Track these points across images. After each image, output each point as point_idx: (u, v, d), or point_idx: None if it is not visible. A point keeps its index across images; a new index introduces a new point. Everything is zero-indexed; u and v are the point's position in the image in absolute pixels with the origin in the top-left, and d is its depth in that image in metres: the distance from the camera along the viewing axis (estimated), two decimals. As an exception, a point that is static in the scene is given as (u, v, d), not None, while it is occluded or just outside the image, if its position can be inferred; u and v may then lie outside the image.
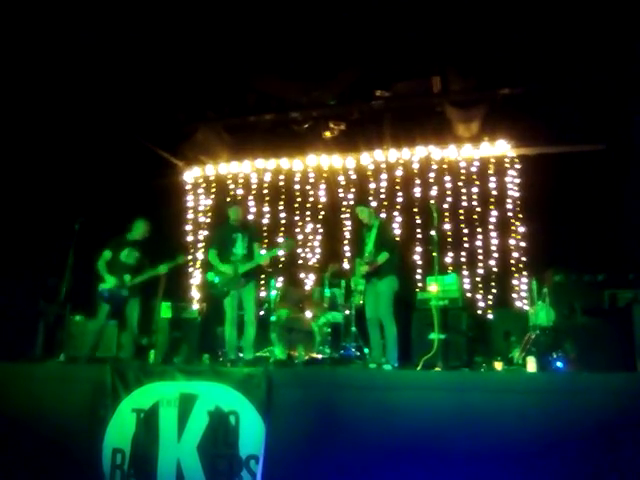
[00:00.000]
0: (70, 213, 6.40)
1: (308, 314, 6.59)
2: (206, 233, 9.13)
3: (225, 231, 5.95)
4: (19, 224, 7.02)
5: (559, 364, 4.47)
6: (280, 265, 8.20)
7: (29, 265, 7.08)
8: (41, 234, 7.20)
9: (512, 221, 7.78)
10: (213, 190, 9.30)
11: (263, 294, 7.24)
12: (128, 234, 6.16)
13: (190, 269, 8.94)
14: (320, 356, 5.96)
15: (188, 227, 9.20)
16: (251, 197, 9.03)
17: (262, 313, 6.09)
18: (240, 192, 9.13)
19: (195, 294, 8.74)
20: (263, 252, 5.87)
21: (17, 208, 7.06)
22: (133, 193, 7.88)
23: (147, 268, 5.99)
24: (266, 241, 8.42)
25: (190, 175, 9.37)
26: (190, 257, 8.95)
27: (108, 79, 6.94)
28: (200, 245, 9.09)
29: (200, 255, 9.04)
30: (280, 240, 5.68)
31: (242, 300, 5.65)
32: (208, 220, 9.22)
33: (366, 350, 6.49)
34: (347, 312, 6.72)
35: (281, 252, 5.64)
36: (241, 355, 5.66)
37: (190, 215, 9.30)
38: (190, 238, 9.15)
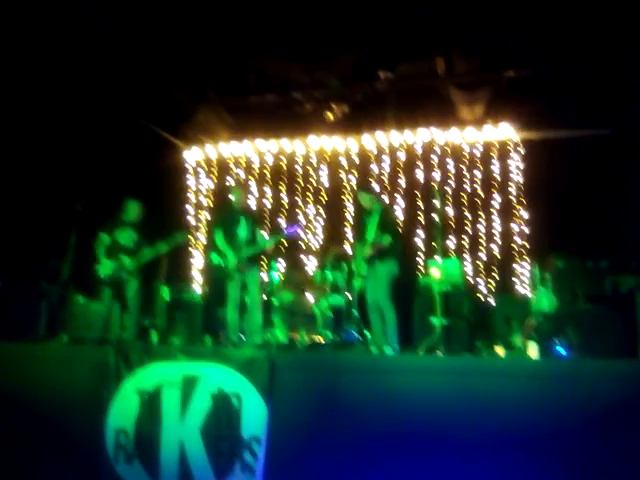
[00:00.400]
0: (71, 193, 6.36)
1: (310, 297, 6.60)
2: (207, 214, 9.11)
3: (229, 213, 5.92)
4: (21, 205, 6.99)
5: (561, 350, 4.49)
6: (282, 248, 8.20)
7: (31, 246, 7.06)
8: (43, 215, 7.17)
9: (515, 206, 7.76)
10: (214, 171, 9.25)
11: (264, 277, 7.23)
12: (123, 216, 6.12)
13: (191, 250, 8.94)
14: (322, 340, 5.97)
15: (189, 208, 9.17)
16: (252, 179, 8.98)
17: (264, 296, 6.09)
18: (241, 174, 9.08)
19: (197, 276, 8.75)
20: (266, 237, 5.86)
21: (18, 189, 7.02)
22: (134, 173, 7.83)
23: (146, 249, 5.96)
24: (268, 223, 8.41)
25: (191, 156, 9.31)
26: (191, 238, 8.94)
27: (109, 59, 6.85)
28: (201, 226, 9.08)
29: (201, 237, 9.03)
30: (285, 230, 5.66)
31: (246, 284, 5.65)
32: (209, 201, 9.19)
33: (368, 334, 6.52)
34: (349, 296, 6.73)
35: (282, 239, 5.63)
36: (242, 337, 5.67)
37: (190, 196, 9.26)
38: (191, 219, 9.13)
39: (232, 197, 5.92)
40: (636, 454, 3.40)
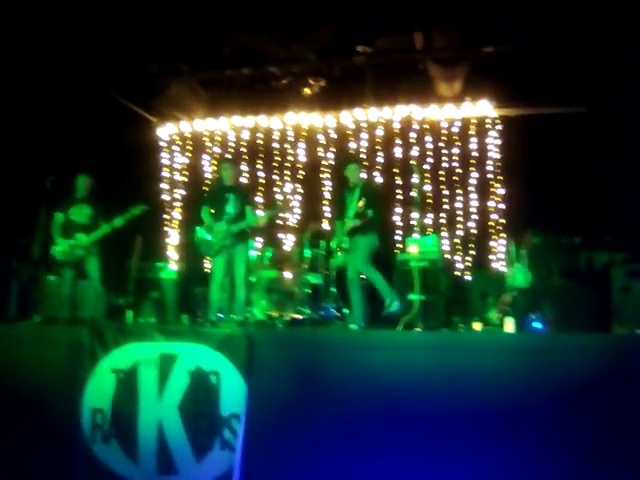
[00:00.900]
0: (40, 171, 6.17)
1: (288, 275, 6.57)
2: (182, 192, 8.96)
3: (218, 190, 5.82)
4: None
5: (536, 325, 4.56)
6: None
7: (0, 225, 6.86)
8: (10, 192, 6.95)
9: (492, 183, 7.80)
10: (189, 148, 9.07)
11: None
12: (75, 192, 5.91)
13: (166, 228, 8.80)
14: (300, 317, 5.97)
15: (163, 185, 9.00)
16: (228, 155, 8.83)
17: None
18: (217, 150, 8.92)
19: (172, 254, 8.63)
20: (257, 213, 5.76)
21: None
22: (106, 149, 7.63)
23: (102, 224, 5.72)
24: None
25: (164, 132, 9.09)
26: (167, 216, 8.80)
27: (76, 28, 6.59)
28: (177, 204, 8.94)
29: (176, 214, 8.89)
30: (276, 202, 5.57)
31: (232, 261, 5.57)
32: (183, 178, 9.03)
33: (346, 311, 6.53)
34: (327, 273, 6.72)
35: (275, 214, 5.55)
36: (221, 316, 5.63)
37: (165, 173, 9.08)
38: (166, 197, 8.97)
39: (222, 173, 5.81)
40: (609, 425, 3.49)
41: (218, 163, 6.02)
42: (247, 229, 5.66)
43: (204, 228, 5.64)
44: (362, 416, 3.94)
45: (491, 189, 7.77)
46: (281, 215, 5.73)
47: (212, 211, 5.71)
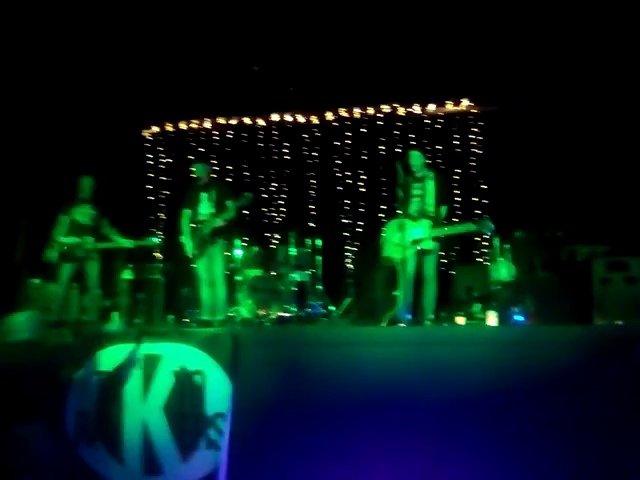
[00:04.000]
0: (22, 174, 6.12)
1: (274, 273, 6.57)
2: (166, 192, 8.93)
3: (191, 191, 5.80)
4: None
5: (519, 318, 4.60)
6: (245, 224, 8.11)
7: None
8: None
9: (474, 178, 7.85)
10: (173, 148, 9.03)
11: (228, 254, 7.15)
12: (79, 194, 5.98)
13: (153, 229, 8.76)
14: (287, 315, 5.97)
15: (148, 186, 8.95)
16: (214, 155, 8.81)
17: (228, 273, 6.02)
18: (202, 150, 8.89)
19: (158, 254, 8.59)
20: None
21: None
22: (89, 151, 7.58)
23: (106, 228, 5.89)
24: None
25: (148, 132, 9.05)
26: (152, 217, 8.77)
27: (61, 27, 6.56)
28: (162, 205, 8.90)
29: (162, 215, 8.85)
30: (243, 194, 5.49)
31: (211, 260, 5.56)
32: (169, 179, 8.99)
33: (332, 308, 6.55)
34: (313, 270, 6.73)
35: (239, 205, 5.48)
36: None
37: (150, 174, 9.03)
38: (151, 198, 8.93)
39: (195, 172, 5.79)
40: (590, 415, 3.53)
41: (192, 164, 5.95)
42: (224, 225, 5.55)
43: (184, 232, 5.63)
44: (349, 413, 3.94)
45: (474, 185, 7.82)
46: (246, 206, 5.63)
47: (191, 213, 5.69)
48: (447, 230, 5.04)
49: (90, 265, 5.81)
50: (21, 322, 3.96)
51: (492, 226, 4.91)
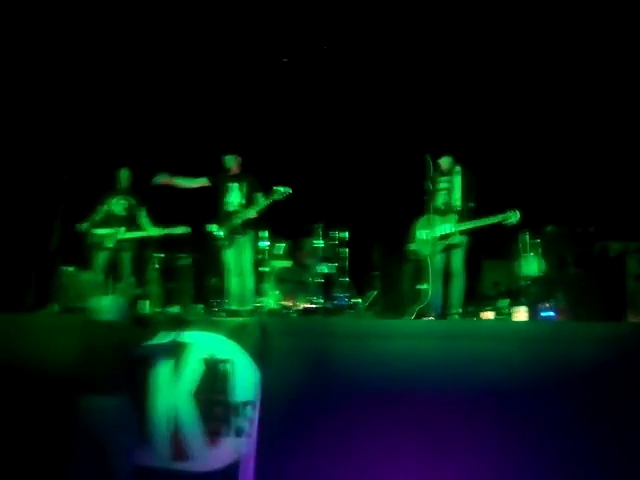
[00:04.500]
0: (59, 163, 6.27)
1: (300, 264, 6.60)
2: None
3: (220, 180, 5.86)
4: (6, 175, 6.87)
5: (550, 314, 4.54)
6: (273, 215, 8.14)
7: (18, 216, 6.98)
8: (30, 185, 7.07)
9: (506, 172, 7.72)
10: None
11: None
12: (117, 184, 6.15)
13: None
14: (313, 306, 6.00)
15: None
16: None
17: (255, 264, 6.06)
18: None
19: (187, 243, 8.69)
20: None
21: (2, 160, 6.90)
22: (127, 142, 7.70)
23: (142, 217, 6.03)
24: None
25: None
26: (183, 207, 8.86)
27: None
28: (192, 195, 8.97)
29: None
30: (278, 188, 5.47)
31: (239, 251, 5.61)
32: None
33: (358, 300, 6.56)
34: (338, 263, 6.73)
35: (277, 199, 5.47)
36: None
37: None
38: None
39: (225, 163, 5.84)
40: (618, 413, 3.48)
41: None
42: (254, 217, 5.59)
43: (213, 221, 5.69)
44: (372, 402, 3.98)
45: (506, 178, 7.68)
46: (281, 200, 5.61)
47: (219, 202, 5.75)
48: (474, 223, 5.02)
49: (123, 254, 5.96)
50: (107, 304, 4.27)
51: (519, 217, 4.88)
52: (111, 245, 5.87)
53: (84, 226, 5.96)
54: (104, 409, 3.97)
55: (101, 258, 5.90)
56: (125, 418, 4.08)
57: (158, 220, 6.10)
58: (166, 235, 6.01)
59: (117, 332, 4.18)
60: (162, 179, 5.83)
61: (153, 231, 5.97)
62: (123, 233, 5.90)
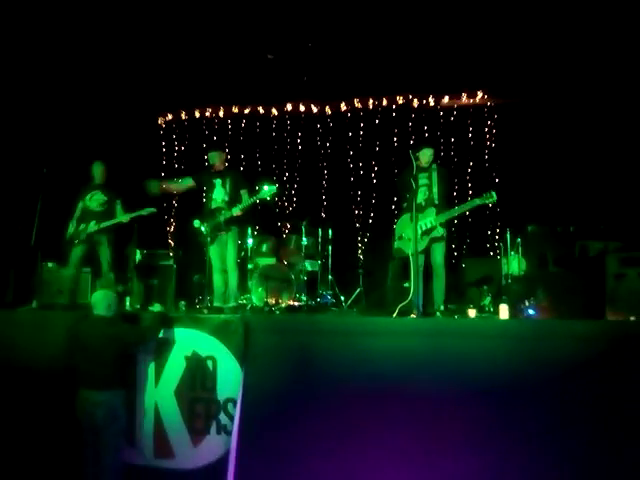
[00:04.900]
0: (38, 157, 6.18)
1: (285, 262, 6.60)
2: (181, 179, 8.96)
3: (204, 174, 5.83)
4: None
5: (531, 312, 4.60)
6: (257, 213, 8.14)
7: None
8: (8, 179, 6.95)
9: (487, 172, 7.82)
10: (187, 136, 9.07)
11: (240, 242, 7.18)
12: (92, 179, 6.08)
13: (165, 216, 8.82)
14: (297, 304, 6.00)
15: (162, 174, 9.00)
16: (227, 143, 8.83)
17: (239, 261, 6.05)
18: (215, 139, 8.92)
19: (170, 240, 8.66)
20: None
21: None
22: (105, 137, 7.63)
23: (118, 208, 5.96)
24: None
25: (163, 120, 9.08)
26: (165, 204, 8.83)
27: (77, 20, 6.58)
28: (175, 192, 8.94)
29: (175, 203, 8.90)
30: (264, 187, 5.43)
31: (224, 247, 5.60)
32: (182, 167, 9.03)
33: (342, 297, 6.58)
34: (324, 260, 6.75)
35: (263, 197, 5.43)
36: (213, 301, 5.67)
37: (164, 162, 9.08)
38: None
39: (209, 159, 5.81)
40: (598, 411, 3.54)
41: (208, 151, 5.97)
42: (240, 213, 5.55)
43: (197, 217, 5.66)
44: (357, 401, 3.98)
45: (487, 178, 7.79)
46: (268, 199, 5.61)
47: (204, 199, 5.72)
48: (455, 211, 5.19)
49: (101, 249, 5.88)
50: (98, 299, 4.26)
51: (495, 197, 5.03)
52: (83, 239, 5.79)
53: (70, 229, 5.89)
54: (98, 403, 4.03)
55: (74, 254, 5.82)
56: (118, 413, 4.12)
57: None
58: (134, 218, 5.87)
59: (111, 328, 4.18)
60: (156, 188, 5.81)
61: (121, 217, 5.87)
62: (93, 226, 5.81)
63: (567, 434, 3.61)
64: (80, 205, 5.99)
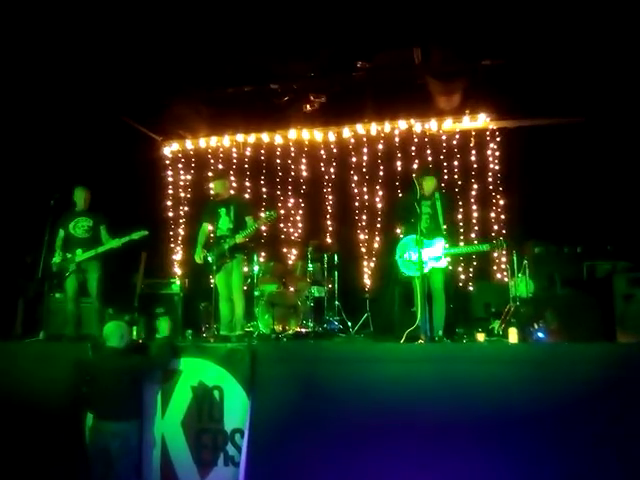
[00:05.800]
0: (46, 189, 6.24)
1: (291, 289, 6.59)
2: (186, 209, 9.04)
3: (210, 206, 5.88)
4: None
5: (540, 335, 4.54)
6: (262, 240, 8.17)
7: (6, 243, 6.92)
8: (17, 211, 7.03)
9: (492, 194, 7.83)
10: (193, 165, 9.17)
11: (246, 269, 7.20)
12: (75, 206, 5.94)
13: (171, 244, 8.87)
14: (304, 330, 5.97)
15: (168, 203, 9.08)
16: (232, 172, 8.91)
17: (245, 288, 6.06)
18: (220, 167, 9.02)
19: (177, 270, 8.68)
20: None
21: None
22: (111, 168, 7.72)
23: (104, 233, 5.79)
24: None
25: (169, 150, 9.20)
26: (171, 233, 8.88)
27: (85, 53, 6.70)
28: (181, 221, 9.01)
29: (181, 231, 8.95)
30: (262, 214, 5.50)
31: (229, 275, 5.61)
32: (188, 195, 9.11)
33: (349, 323, 6.54)
34: (329, 286, 6.74)
35: (263, 224, 5.47)
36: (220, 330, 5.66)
37: (170, 190, 9.17)
38: (170, 214, 9.05)
39: (213, 188, 5.87)
40: (611, 434, 3.47)
41: (210, 179, 6.01)
42: (244, 240, 5.57)
43: (201, 247, 5.69)
44: (366, 429, 3.93)
45: (492, 200, 7.80)
46: (268, 224, 5.67)
47: (210, 227, 5.75)
48: (463, 249, 5.36)
49: (90, 277, 5.72)
50: (110, 331, 4.30)
51: (505, 245, 5.07)
52: (74, 269, 5.68)
53: (56, 258, 5.74)
54: (115, 434, 4.05)
55: (69, 287, 5.72)
56: (132, 444, 4.15)
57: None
58: (125, 244, 5.68)
59: (125, 359, 4.23)
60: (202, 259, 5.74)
61: (111, 243, 5.68)
62: (81, 254, 5.67)
63: (585, 458, 3.54)
64: (61, 233, 5.82)
